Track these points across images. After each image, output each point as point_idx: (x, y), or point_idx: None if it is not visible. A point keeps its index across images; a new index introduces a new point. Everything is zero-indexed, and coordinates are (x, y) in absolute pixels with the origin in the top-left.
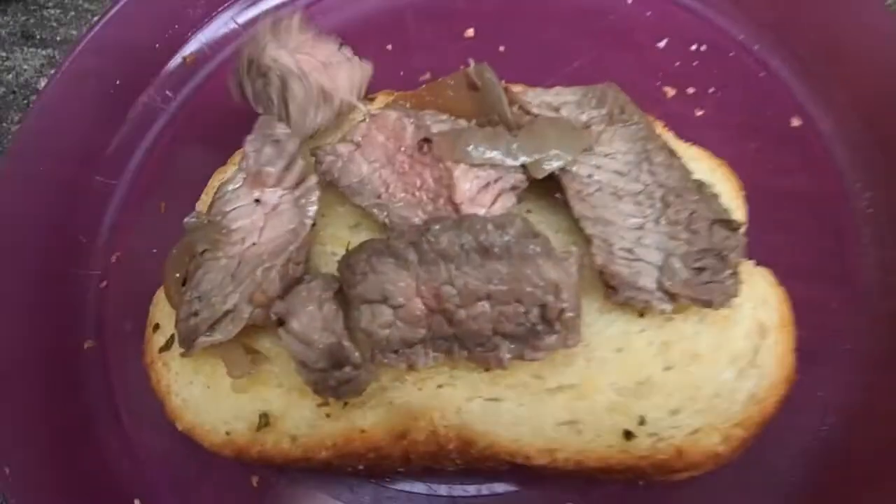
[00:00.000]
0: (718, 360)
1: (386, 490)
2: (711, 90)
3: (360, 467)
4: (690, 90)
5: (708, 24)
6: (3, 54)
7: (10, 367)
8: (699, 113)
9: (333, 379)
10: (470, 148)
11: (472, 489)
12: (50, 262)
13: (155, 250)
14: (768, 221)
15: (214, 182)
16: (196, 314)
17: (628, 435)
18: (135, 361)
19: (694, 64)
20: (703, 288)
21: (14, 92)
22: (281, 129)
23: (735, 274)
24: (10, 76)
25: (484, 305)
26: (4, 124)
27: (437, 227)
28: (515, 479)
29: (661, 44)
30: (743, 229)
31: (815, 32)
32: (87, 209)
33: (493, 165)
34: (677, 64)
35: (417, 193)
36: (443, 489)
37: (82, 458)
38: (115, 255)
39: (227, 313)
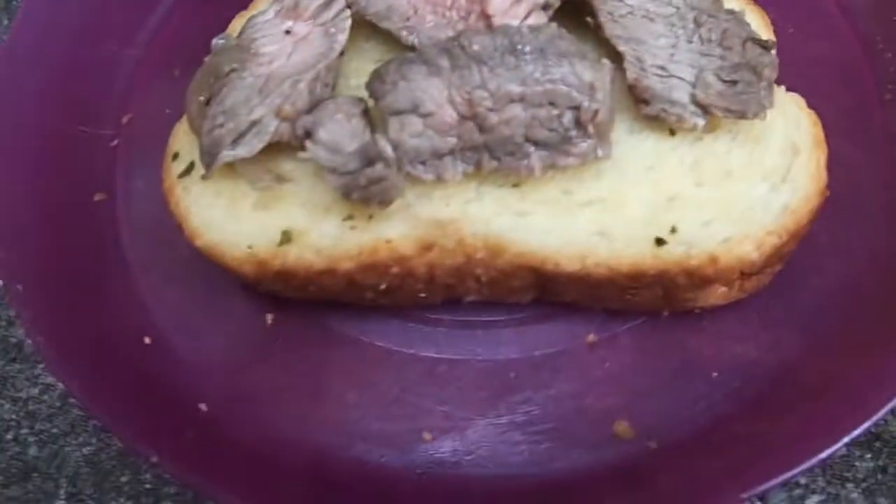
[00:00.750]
0: (751, 177)
1: (404, 324)
2: None
3: (382, 287)
4: None
5: None
6: None
7: (24, 210)
8: None
9: (364, 177)
10: None
11: (491, 317)
12: (60, 121)
13: (168, 110)
14: (789, 80)
15: (236, 23)
16: (220, 126)
17: (660, 242)
18: (145, 214)
19: None
20: (737, 99)
21: None
22: None
23: (769, 86)
24: None
25: (517, 108)
26: (14, 3)
27: (469, 32)
28: (538, 310)
29: None
30: (774, 51)
31: None
32: (98, 75)
33: None
34: None
35: (448, 13)
36: (462, 319)
37: (92, 298)
38: (127, 117)
39: (252, 125)
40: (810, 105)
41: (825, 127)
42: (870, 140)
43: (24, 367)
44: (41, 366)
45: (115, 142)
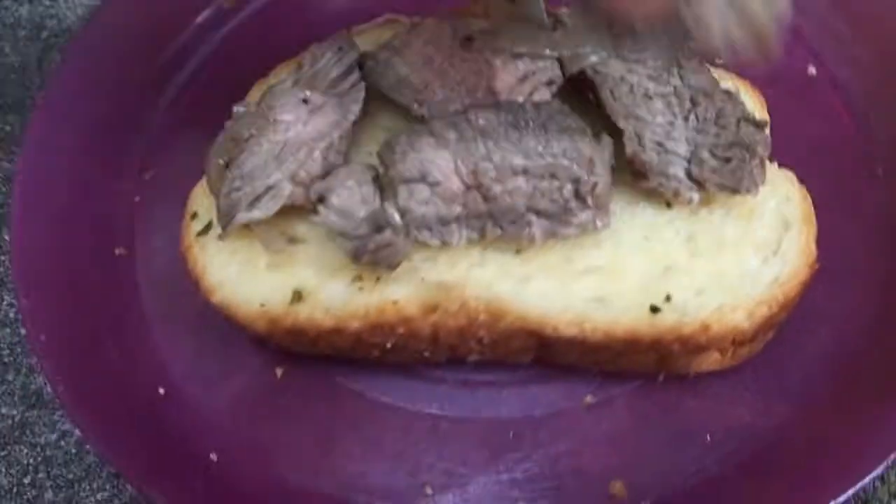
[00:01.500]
0: (743, 249)
1: (409, 381)
2: None
3: (388, 345)
4: None
5: None
6: (48, 2)
7: (48, 262)
8: (718, 61)
9: (373, 242)
10: (512, 40)
11: (493, 376)
12: (87, 177)
13: (189, 170)
14: (782, 157)
15: (255, 91)
16: (238, 189)
17: (654, 309)
18: (164, 268)
19: None
20: (730, 175)
21: (56, 35)
22: (347, 41)
23: (762, 163)
24: (54, 22)
25: (520, 180)
26: (45, 65)
27: (476, 107)
28: (538, 370)
29: None
30: (767, 129)
31: None
32: (124, 132)
33: (533, 57)
34: None
35: (456, 88)
36: (464, 378)
37: (110, 349)
38: (150, 174)
39: (268, 189)
40: (802, 180)
41: (818, 200)
42: (861, 212)
43: (42, 413)
44: (59, 412)
45: (137, 198)
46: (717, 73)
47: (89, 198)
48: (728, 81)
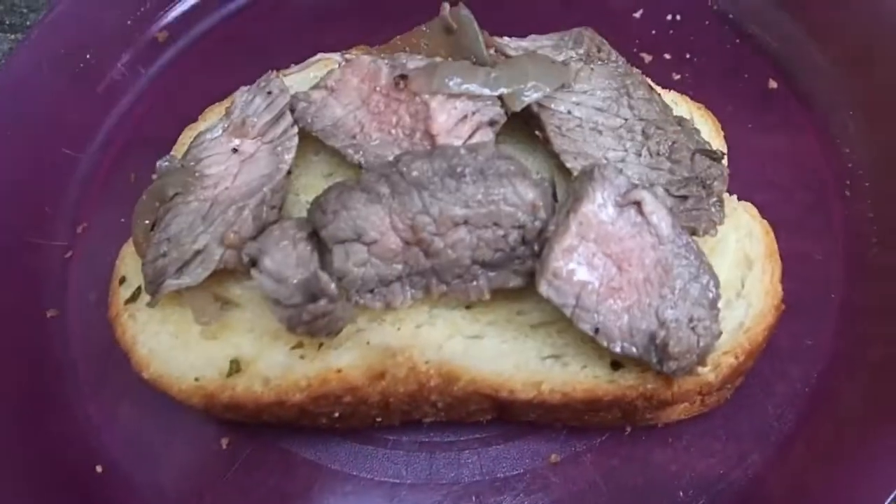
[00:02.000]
0: None
1: (363, 447)
2: (688, 56)
3: (336, 415)
4: (667, 56)
5: None
6: None
7: None
8: (676, 77)
9: (308, 313)
10: (447, 79)
11: (452, 437)
12: (13, 233)
13: (123, 220)
14: (748, 175)
15: (185, 138)
16: (164, 255)
17: (615, 365)
18: (98, 331)
19: (670, 32)
20: (687, 215)
21: None
22: (276, 84)
23: (720, 201)
24: None
25: (462, 231)
26: None
27: (407, 157)
28: (499, 429)
29: (637, 14)
30: (725, 160)
31: None
32: (54, 180)
33: (471, 97)
34: (653, 32)
35: (393, 131)
36: (422, 440)
37: (43, 423)
38: (82, 226)
39: (196, 254)
40: (764, 208)
41: (781, 226)
42: (829, 237)
43: None
44: None
45: (69, 253)
46: (669, 95)
47: (18, 255)
48: (682, 105)
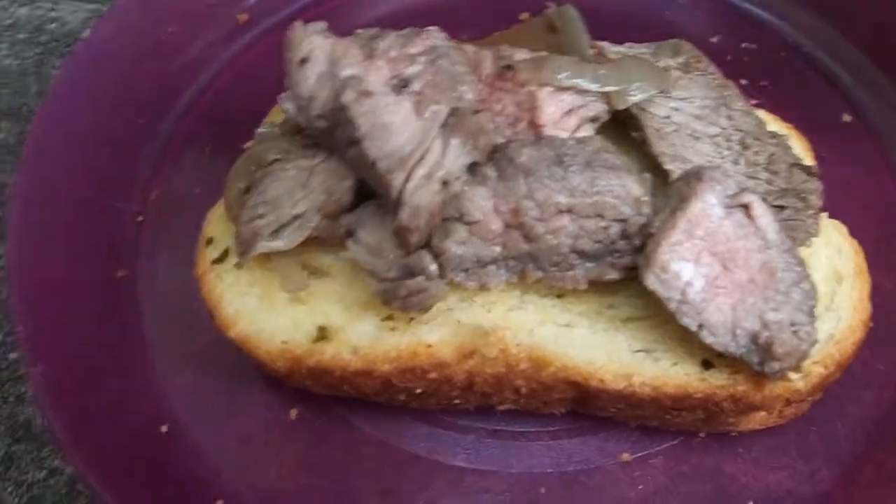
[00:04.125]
0: None
1: (433, 430)
2: (763, 83)
3: (418, 391)
4: (743, 81)
5: (758, 24)
6: (49, 5)
7: (47, 284)
8: (753, 102)
9: (405, 288)
10: (557, 72)
11: (523, 427)
12: (90, 194)
13: (197, 189)
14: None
15: (274, 113)
16: (261, 217)
17: (707, 364)
18: (166, 295)
19: (745, 59)
20: (784, 224)
21: (57, 41)
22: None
23: (816, 214)
24: (55, 25)
25: (564, 219)
26: (45, 69)
27: (516, 143)
28: (571, 423)
29: (714, 39)
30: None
31: (864, 32)
32: (129, 149)
33: (579, 91)
34: (729, 58)
35: (496, 119)
36: (493, 428)
37: (110, 380)
38: (155, 193)
39: (294, 219)
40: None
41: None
42: None
43: (30, 447)
44: (48, 448)
45: (141, 218)
46: (759, 113)
47: (91, 216)
48: (774, 125)
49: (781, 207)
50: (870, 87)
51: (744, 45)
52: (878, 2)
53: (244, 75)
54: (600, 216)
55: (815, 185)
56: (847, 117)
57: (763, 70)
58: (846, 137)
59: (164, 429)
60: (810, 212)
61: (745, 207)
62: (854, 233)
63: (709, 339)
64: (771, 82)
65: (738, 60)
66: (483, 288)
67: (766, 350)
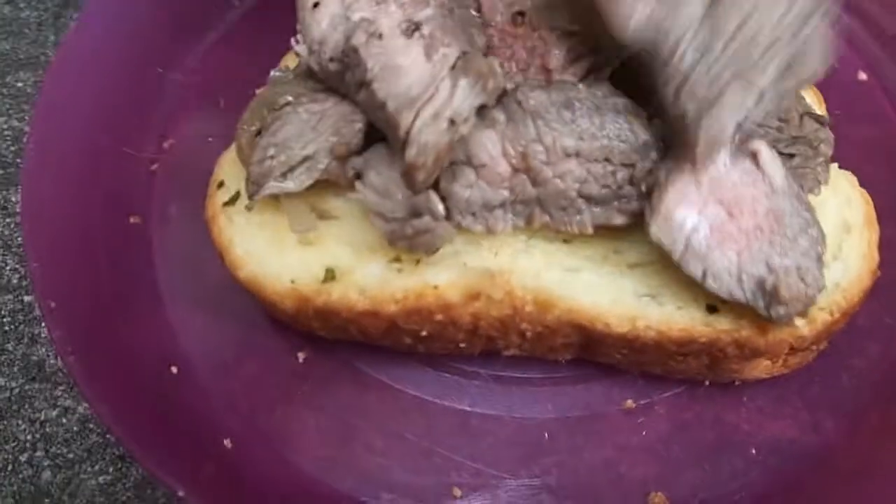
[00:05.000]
0: None
1: (439, 374)
2: None
3: (424, 333)
4: None
5: None
6: None
7: (60, 226)
8: None
9: (411, 227)
10: (567, 17)
11: (528, 374)
12: (106, 141)
13: (210, 139)
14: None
15: (290, 56)
16: (271, 158)
17: (711, 309)
18: (178, 241)
19: None
20: (793, 172)
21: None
22: None
23: (826, 162)
24: None
25: (572, 163)
26: (62, 21)
27: (525, 87)
28: (575, 370)
29: None
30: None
31: None
32: (145, 98)
33: (587, 37)
34: None
35: (507, 64)
36: (498, 373)
37: (122, 320)
38: (169, 142)
39: (303, 160)
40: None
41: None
42: None
43: (43, 387)
44: (61, 387)
45: (155, 166)
46: None
47: (104, 162)
48: None
49: (791, 155)
50: (886, 46)
51: None
52: None
53: (260, 26)
54: (608, 160)
55: (826, 133)
56: (863, 75)
57: None
58: (861, 94)
59: (174, 369)
60: (820, 159)
61: (753, 154)
62: (864, 184)
63: (714, 286)
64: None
65: None
66: (490, 232)
67: (772, 295)
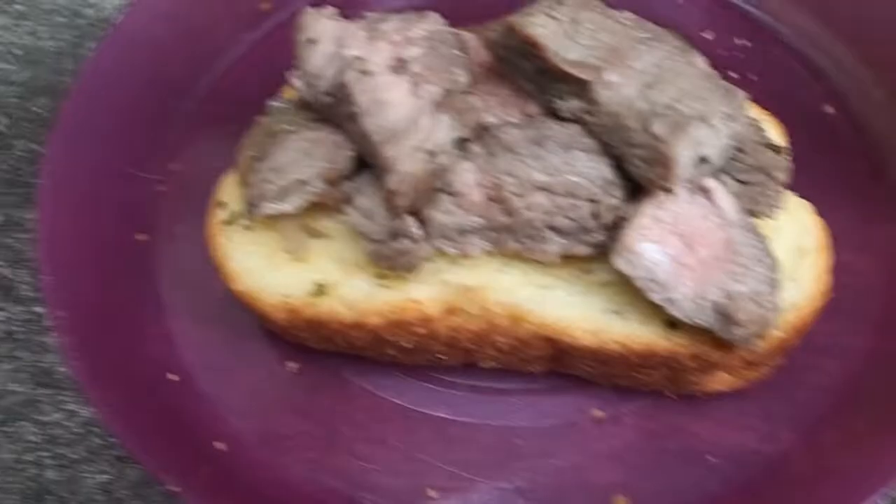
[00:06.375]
0: None
1: (420, 384)
2: (753, 78)
3: (405, 345)
4: (733, 74)
5: (753, 22)
6: None
7: (72, 241)
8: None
9: (391, 248)
10: None
11: (504, 384)
12: (115, 162)
13: (215, 164)
14: (801, 192)
15: (287, 92)
16: (269, 182)
17: (671, 325)
18: (182, 259)
19: (737, 54)
20: (749, 199)
21: (93, 25)
22: None
23: (780, 188)
24: (91, 11)
25: (540, 196)
26: (80, 50)
27: (504, 124)
28: (549, 382)
29: (708, 35)
30: (787, 156)
31: (849, 27)
32: (154, 124)
33: None
34: (720, 51)
35: (488, 101)
36: (476, 384)
37: (127, 332)
38: (176, 165)
39: (298, 184)
40: (819, 214)
41: (832, 234)
42: (874, 251)
43: (50, 392)
44: (67, 392)
45: (162, 187)
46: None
47: (115, 183)
48: (751, 111)
49: (747, 183)
50: (853, 81)
51: (737, 41)
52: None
53: (264, 60)
54: (573, 195)
55: (782, 162)
56: (829, 108)
57: (754, 66)
58: (826, 127)
59: (174, 378)
60: (775, 186)
61: (706, 191)
62: (823, 213)
63: (675, 312)
64: (760, 77)
65: (731, 55)
66: (463, 255)
67: (729, 318)
